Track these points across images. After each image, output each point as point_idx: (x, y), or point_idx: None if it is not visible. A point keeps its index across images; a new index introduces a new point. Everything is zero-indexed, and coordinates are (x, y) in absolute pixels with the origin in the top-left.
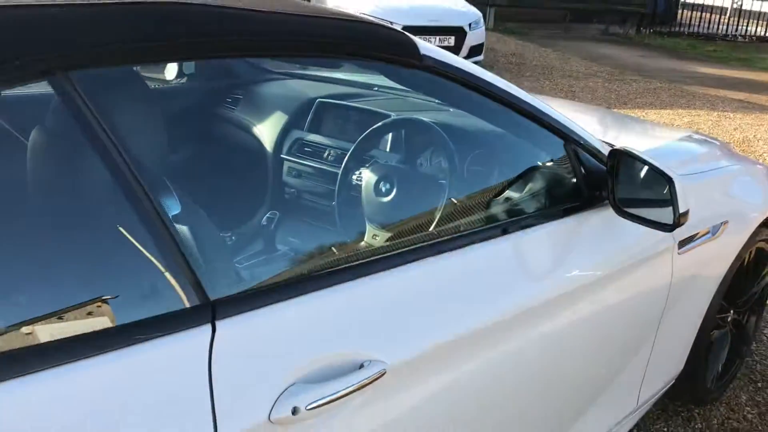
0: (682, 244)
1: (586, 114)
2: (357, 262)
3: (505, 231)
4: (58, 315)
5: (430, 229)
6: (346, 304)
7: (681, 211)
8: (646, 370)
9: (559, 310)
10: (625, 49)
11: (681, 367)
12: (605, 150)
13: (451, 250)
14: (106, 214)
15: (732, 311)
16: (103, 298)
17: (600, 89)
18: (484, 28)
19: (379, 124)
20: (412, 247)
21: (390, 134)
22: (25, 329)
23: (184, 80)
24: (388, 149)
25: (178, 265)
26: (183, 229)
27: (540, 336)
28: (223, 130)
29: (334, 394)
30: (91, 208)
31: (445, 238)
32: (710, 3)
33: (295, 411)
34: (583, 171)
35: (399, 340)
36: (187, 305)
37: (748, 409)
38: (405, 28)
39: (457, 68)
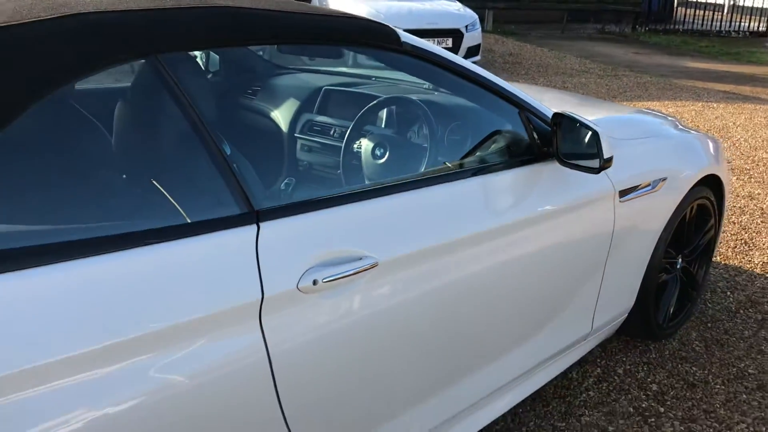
0: (623, 193)
1: (561, 96)
2: (359, 191)
3: (474, 174)
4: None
5: (417, 172)
6: (351, 218)
7: (605, 157)
8: (598, 299)
9: (518, 238)
10: (619, 47)
11: (632, 302)
12: (551, 115)
13: (433, 184)
14: (187, 150)
15: (680, 259)
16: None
17: (592, 84)
18: (480, 29)
19: (374, 102)
20: (401, 183)
21: (382, 111)
22: (134, 214)
23: (209, 76)
24: (381, 123)
25: (236, 188)
26: (237, 165)
27: (501, 256)
28: (245, 115)
29: (341, 273)
30: (176, 147)
31: (428, 176)
32: (707, 0)
33: (315, 282)
34: (534, 132)
35: (389, 244)
36: (241, 212)
37: (697, 343)
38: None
39: (430, 52)
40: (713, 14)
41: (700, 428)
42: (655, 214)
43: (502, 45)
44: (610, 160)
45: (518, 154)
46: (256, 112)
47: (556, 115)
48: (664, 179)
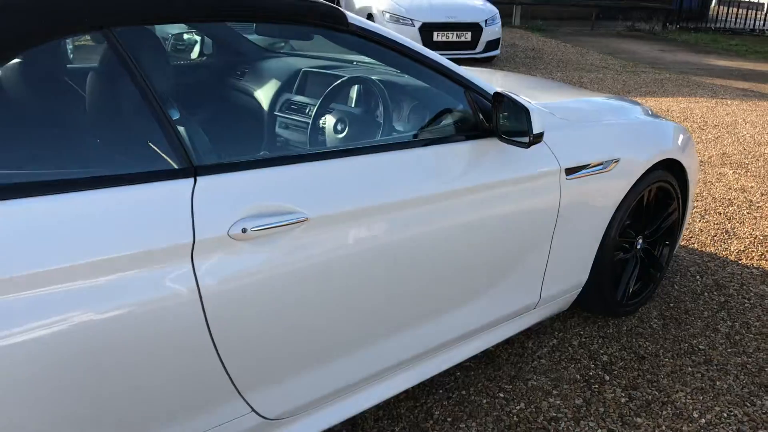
0: (570, 171)
1: (536, 82)
2: (295, 154)
3: (416, 145)
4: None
5: (360, 141)
6: (285, 178)
7: (535, 132)
8: (545, 270)
9: (457, 205)
10: (646, 44)
11: (584, 277)
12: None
13: (374, 152)
14: (136, 114)
15: (641, 240)
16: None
17: (608, 80)
18: (500, 23)
19: (336, 83)
20: (339, 149)
21: (344, 90)
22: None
23: (204, 58)
24: (344, 101)
25: (178, 147)
26: (182, 128)
27: (440, 221)
28: (232, 94)
29: (270, 225)
30: (126, 110)
31: (370, 145)
32: None
33: (244, 230)
34: (478, 110)
35: (321, 202)
36: (181, 166)
37: (655, 320)
38: (424, 24)
39: (377, 33)
40: (755, 13)
41: (640, 395)
42: (606, 193)
43: (526, 40)
44: (540, 135)
45: (465, 130)
46: (216, 84)
47: (495, 94)
48: (617, 161)
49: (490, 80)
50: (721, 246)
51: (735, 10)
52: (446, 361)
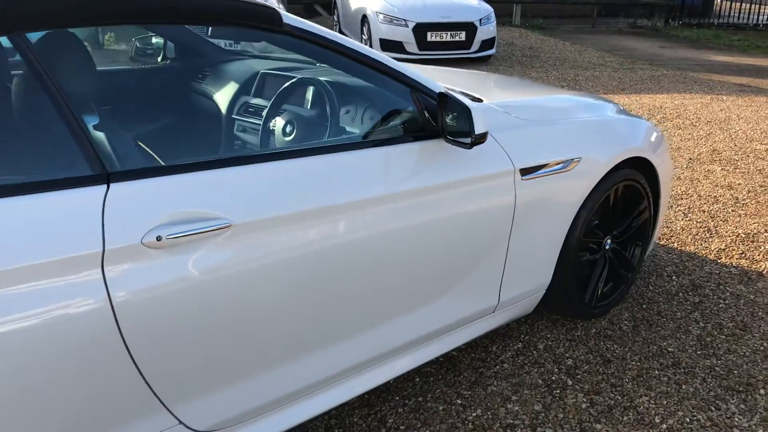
0: (525, 172)
1: (501, 82)
2: (220, 158)
3: (370, 146)
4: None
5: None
6: (207, 183)
7: (476, 133)
8: (503, 273)
9: (404, 207)
10: (646, 41)
11: (547, 279)
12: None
13: (310, 155)
14: (48, 120)
15: (609, 240)
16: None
17: (604, 77)
18: (494, 22)
19: (286, 84)
20: (270, 152)
21: (296, 92)
22: None
23: (168, 62)
24: (296, 102)
25: (90, 154)
26: (96, 135)
27: (386, 225)
28: (192, 98)
29: (187, 232)
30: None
31: (305, 148)
32: None
33: (158, 238)
34: (425, 111)
35: (248, 208)
36: (93, 173)
37: (626, 322)
38: (418, 25)
39: (315, 33)
40: (759, 7)
41: (602, 400)
42: (567, 193)
43: (524, 39)
44: (482, 136)
45: (413, 131)
46: (148, 89)
47: (439, 94)
48: (578, 160)
49: (453, 79)
50: (701, 245)
51: (738, 5)
52: (399, 367)
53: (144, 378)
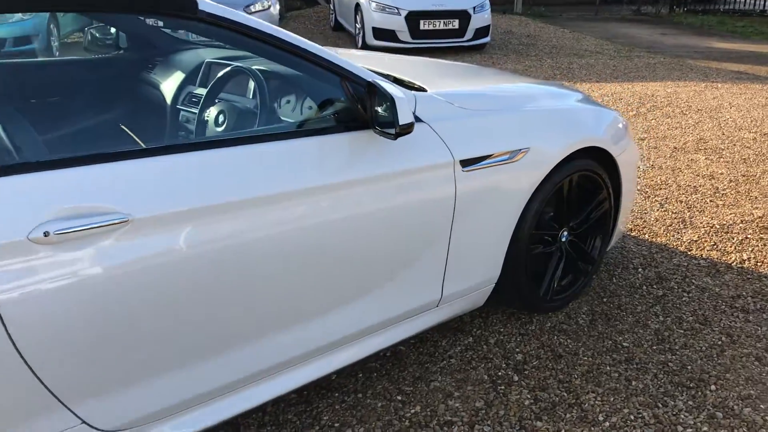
0: (466, 163)
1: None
2: (120, 151)
3: (297, 136)
4: None
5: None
6: (105, 176)
7: (401, 123)
8: (446, 267)
9: (339, 199)
10: (648, 28)
11: (496, 272)
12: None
13: (226, 146)
14: None
15: (566, 232)
16: None
17: (599, 65)
18: (489, 10)
19: (220, 73)
20: (178, 144)
21: (231, 81)
22: None
23: (120, 52)
24: (231, 92)
25: None
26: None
27: (318, 217)
28: (141, 88)
29: (78, 227)
30: None
31: (218, 139)
32: None
33: (46, 234)
34: (357, 101)
35: (149, 201)
36: None
37: (583, 316)
38: (411, 12)
39: (235, 21)
40: None
41: (547, 396)
42: (514, 184)
43: (524, 27)
44: (408, 126)
45: (345, 122)
46: (137, 95)
47: (367, 84)
48: (526, 150)
49: (407, 68)
50: (673, 236)
51: None
52: (336, 362)
53: (38, 377)
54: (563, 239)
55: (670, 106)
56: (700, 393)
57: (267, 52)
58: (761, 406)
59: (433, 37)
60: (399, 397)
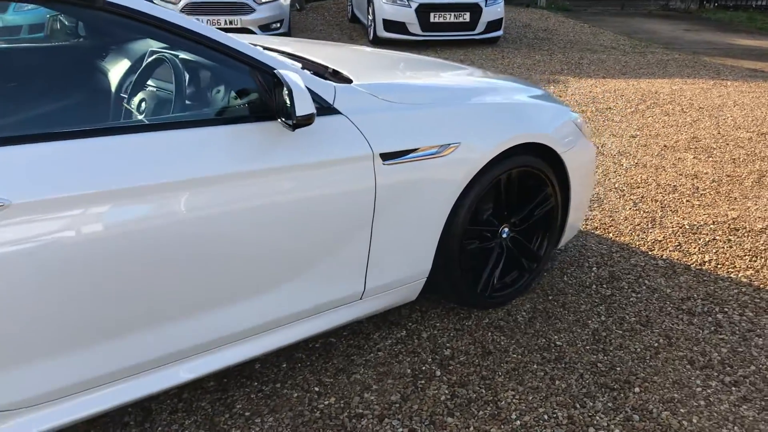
0: (388, 156)
1: (403, 62)
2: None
3: (204, 125)
4: None
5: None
6: None
7: (298, 114)
8: (368, 261)
9: (249, 188)
10: (671, 24)
11: (426, 266)
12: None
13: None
14: None
15: (506, 229)
16: None
17: (610, 61)
18: (502, 3)
19: (148, 60)
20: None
21: (155, 69)
22: None
23: (80, 39)
24: (153, 78)
25: None
26: None
27: (223, 206)
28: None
29: None
30: None
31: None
32: None
33: None
34: (267, 91)
35: (32, 186)
36: None
37: (524, 314)
38: (421, 5)
39: (136, 9)
40: None
41: (465, 393)
42: (443, 179)
43: (543, 21)
44: (306, 117)
45: (258, 111)
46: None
47: (273, 74)
48: (456, 144)
49: (346, 58)
50: (638, 236)
51: None
52: (246, 351)
53: None
54: (504, 235)
55: (671, 104)
56: (622, 395)
57: (175, 42)
58: (681, 410)
59: (443, 30)
60: (316, 389)
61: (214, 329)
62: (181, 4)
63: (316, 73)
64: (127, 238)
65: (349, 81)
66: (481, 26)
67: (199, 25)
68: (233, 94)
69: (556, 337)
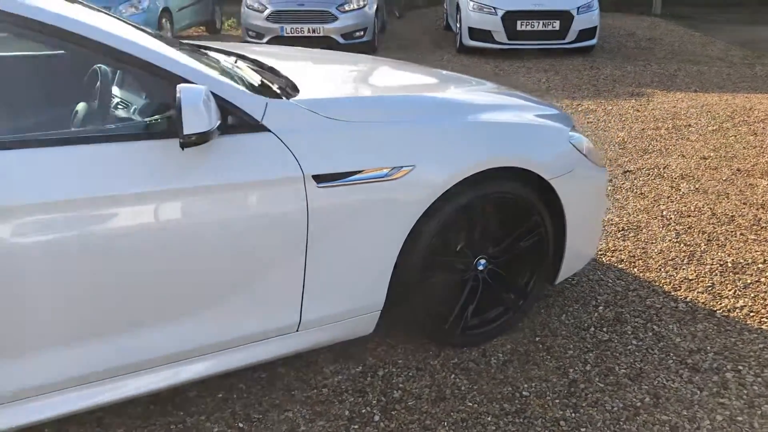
0: (322, 179)
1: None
2: None
3: (105, 141)
4: None
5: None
6: None
7: (184, 132)
8: (303, 291)
9: (151, 209)
10: None
11: (379, 299)
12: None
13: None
14: None
15: (483, 260)
16: None
17: (711, 73)
18: (597, 11)
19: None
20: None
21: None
22: None
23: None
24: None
25: None
26: None
27: (124, 228)
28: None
29: None
30: None
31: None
32: None
33: None
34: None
35: None
36: None
37: (500, 356)
38: (507, 13)
39: (35, 20)
40: None
41: None
42: (395, 204)
43: (651, 29)
44: (197, 136)
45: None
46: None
47: (177, 88)
48: (409, 167)
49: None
50: (667, 272)
51: None
52: (158, 381)
53: None
54: (480, 267)
55: (763, 122)
56: None
57: (71, 49)
58: None
59: (530, 39)
60: (240, 425)
61: (108, 358)
62: (267, 13)
63: (263, 86)
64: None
65: (291, 95)
66: (572, 35)
67: (98, 29)
68: (157, 108)
69: (525, 385)
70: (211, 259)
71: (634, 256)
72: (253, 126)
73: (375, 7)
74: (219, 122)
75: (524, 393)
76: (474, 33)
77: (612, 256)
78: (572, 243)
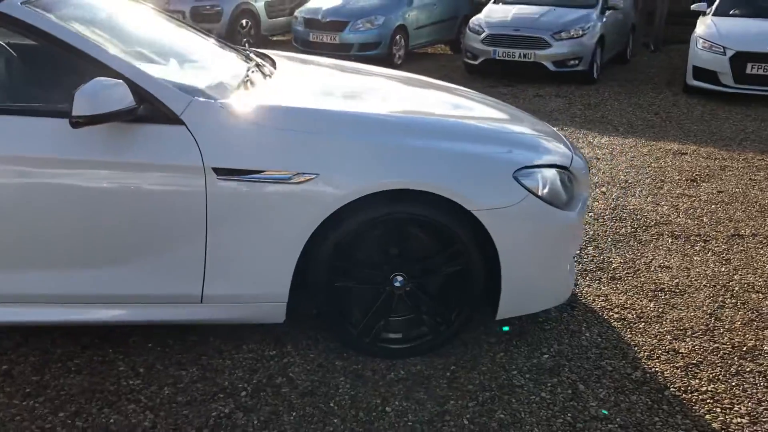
0: (223, 172)
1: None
2: None
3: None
4: None
5: None
6: None
7: (73, 113)
8: (205, 268)
9: (66, 174)
10: None
11: (282, 291)
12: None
13: None
14: None
15: (399, 277)
16: None
17: None
18: None
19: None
20: None
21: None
22: None
23: None
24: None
25: None
26: None
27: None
28: None
29: None
30: None
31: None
32: None
33: None
34: None
35: None
36: None
37: (401, 373)
38: (738, 53)
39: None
40: None
41: None
42: (295, 207)
43: None
44: (86, 118)
45: None
46: None
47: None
48: (313, 175)
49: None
50: (665, 341)
51: None
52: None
53: None
54: (396, 284)
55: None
56: None
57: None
58: None
59: (763, 84)
60: (141, 370)
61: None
62: (483, 36)
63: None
64: None
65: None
66: None
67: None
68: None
69: (396, 404)
70: (111, 220)
71: (641, 317)
72: (171, 119)
73: (598, 36)
74: (120, 109)
75: (387, 409)
76: (698, 73)
77: (620, 312)
78: (513, 280)
